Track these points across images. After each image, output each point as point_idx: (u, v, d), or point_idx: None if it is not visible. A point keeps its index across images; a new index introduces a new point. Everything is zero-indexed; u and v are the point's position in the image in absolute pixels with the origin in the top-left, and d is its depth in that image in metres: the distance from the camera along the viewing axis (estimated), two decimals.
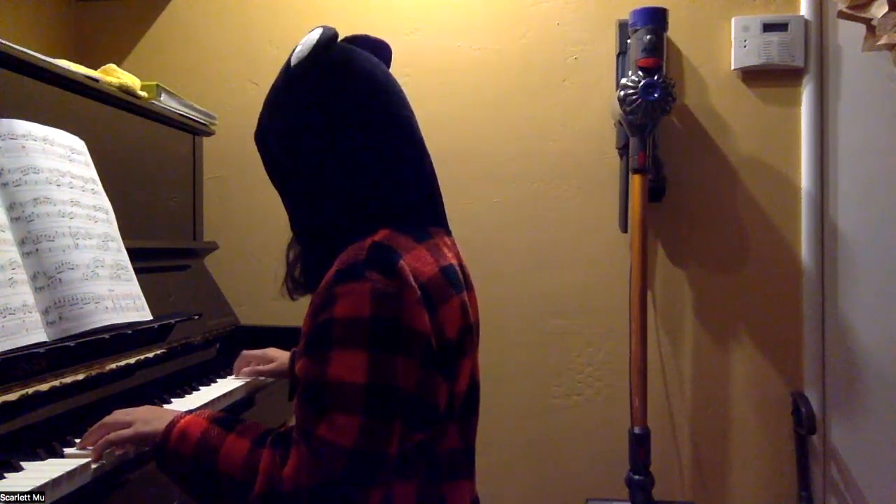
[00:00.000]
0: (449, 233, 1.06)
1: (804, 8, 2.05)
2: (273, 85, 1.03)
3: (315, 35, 0.98)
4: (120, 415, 1.01)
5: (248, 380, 1.46)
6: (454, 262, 1.00)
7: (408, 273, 0.88)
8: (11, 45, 1.22)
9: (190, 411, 0.98)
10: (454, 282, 0.96)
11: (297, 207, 1.03)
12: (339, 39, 1.02)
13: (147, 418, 0.99)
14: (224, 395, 1.36)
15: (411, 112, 1.03)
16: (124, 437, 0.97)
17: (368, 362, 0.84)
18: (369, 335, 0.84)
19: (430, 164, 1.04)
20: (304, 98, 0.97)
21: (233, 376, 1.47)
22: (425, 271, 0.91)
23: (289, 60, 1.00)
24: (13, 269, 1.07)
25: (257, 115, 1.04)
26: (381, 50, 1.06)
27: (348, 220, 0.97)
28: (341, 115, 0.96)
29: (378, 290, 0.85)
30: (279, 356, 1.46)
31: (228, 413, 1.35)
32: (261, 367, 1.46)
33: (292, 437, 0.87)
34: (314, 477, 0.82)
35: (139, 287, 1.29)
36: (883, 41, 1.49)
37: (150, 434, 0.95)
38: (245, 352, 1.49)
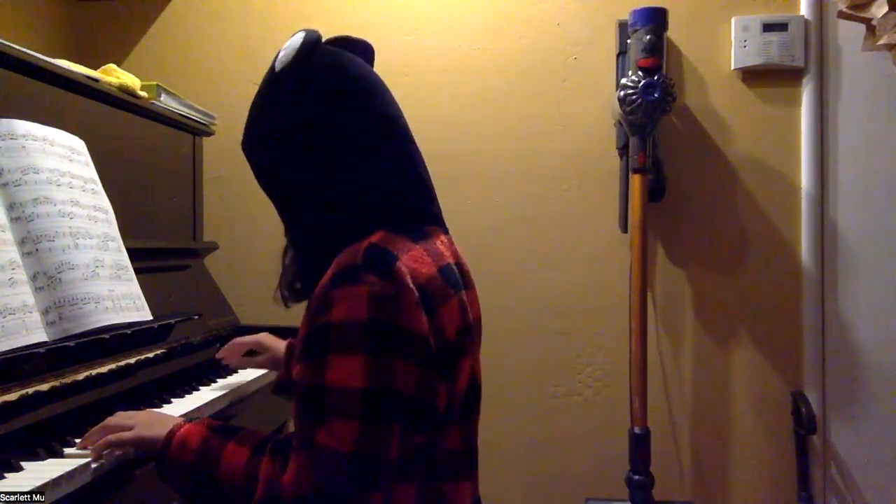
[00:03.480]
0: (446, 231, 1.05)
1: (804, 8, 2.05)
2: (258, 91, 1.01)
3: (298, 39, 0.97)
4: (122, 417, 1.01)
5: (247, 380, 1.46)
6: (451, 260, 0.99)
7: (405, 275, 0.87)
8: (11, 45, 1.22)
9: (191, 419, 0.97)
10: (452, 281, 0.95)
11: (290, 214, 1.02)
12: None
13: (149, 422, 0.98)
14: (224, 396, 1.36)
15: (399, 110, 1.02)
16: (125, 440, 0.97)
17: (366, 367, 0.83)
18: (366, 339, 0.83)
19: (422, 161, 1.03)
20: (290, 103, 0.96)
21: (233, 374, 1.46)
22: (423, 272, 0.90)
23: (273, 66, 0.99)
24: (13, 269, 1.07)
25: None
26: (362, 50, 1.05)
27: (343, 224, 0.96)
28: (329, 117, 0.95)
29: (375, 293, 0.84)
30: (273, 344, 1.40)
31: (230, 409, 1.37)
32: (251, 359, 1.42)
33: (292, 443, 0.86)
34: (314, 484, 0.81)
35: (139, 287, 1.29)
36: (883, 41, 1.49)
37: (151, 439, 0.95)
38: (236, 339, 1.42)
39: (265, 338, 1.41)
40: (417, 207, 1.00)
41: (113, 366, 1.21)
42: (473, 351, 1.00)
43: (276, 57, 0.99)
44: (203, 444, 0.91)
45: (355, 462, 0.82)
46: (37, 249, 1.11)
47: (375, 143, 0.97)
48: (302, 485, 0.82)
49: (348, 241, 0.91)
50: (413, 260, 0.90)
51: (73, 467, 0.91)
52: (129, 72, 1.60)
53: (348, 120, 0.96)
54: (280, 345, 1.39)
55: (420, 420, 0.89)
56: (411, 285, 0.87)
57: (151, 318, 1.29)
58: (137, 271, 1.30)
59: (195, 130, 1.87)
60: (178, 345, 1.44)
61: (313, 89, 0.96)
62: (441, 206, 1.06)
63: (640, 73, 1.87)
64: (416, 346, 0.86)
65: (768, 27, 2.03)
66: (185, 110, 1.78)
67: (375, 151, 0.96)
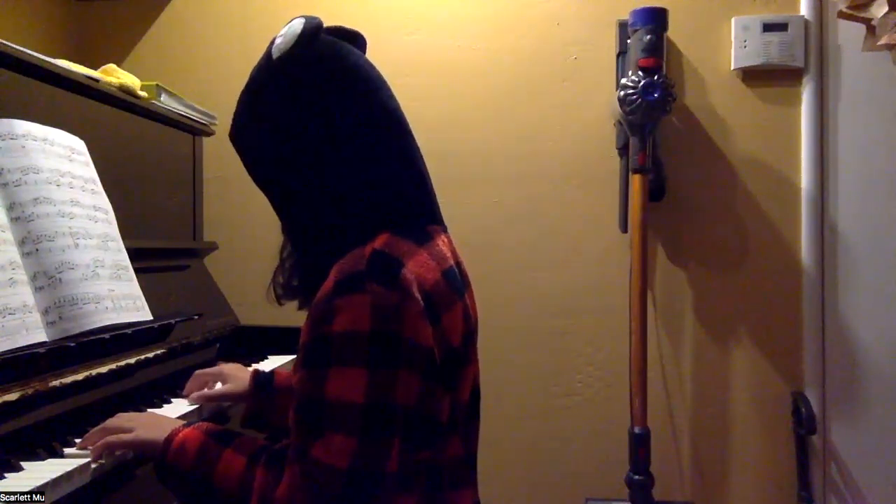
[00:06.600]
0: (445, 229, 1.02)
1: (804, 8, 2.05)
2: (251, 79, 0.97)
3: (298, 25, 0.93)
4: (122, 419, 1.00)
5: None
6: (453, 262, 0.97)
7: (411, 283, 0.84)
8: (11, 45, 1.22)
9: (191, 422, 0.97)
10: (456, 286, 0.93)
11: (288, 211, 0.98)
12: None
13: (149, 425, 0.98)
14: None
15: (398, 104, 0.99)
16: (125, 442, 0.96)
17: (367, 380, 0.80)
18: (369, 351, 0.81)
19: (422, 158, 0.99)
20: (290, 92, 0.92)
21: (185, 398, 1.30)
22: (429, 278, 0.88)
23: (269, 53, 0.95)
24: (13, 269, 1.07)
25: None
26: (356, 41, 1.01)
27: (345, 223, 0.92)
28: (329, 109, 0.91)
29: (378, 304, 0.81)
30: (236, 374, 1.28)
31: (229, 409, 1.37)
32: (211, 392, 1.27)
33: (287, 455, 0.84)
34: (308, 498, 0.80)
35: (139, 287, 1.29)
36: (883, 41, 1.49)
37: (151, 442, 0.94)
38: (199, 371, 1.30)
39: (228, 368, 1.31)
40: (419, 205, 0.97)
41: (113, 366, 1.21)
42: (475, 355, 0.99)
43: (273, 43, 0.95)
44: (200, 451, 0.90)
45: (351, 478, 0.80)
46: (37, 249, 1.11)
47: (377, 138, 0.93)
48: (295, 499, 0.80)
49: (351, 241, 0.89)
50: (418, 265, 0.87)
51: (73, 467, 0.90)
52: (129, 72, 1.60)
53: (350, 112, 0.92)
54: (244, 374, 1.28)
55: (422, 433, 0.87)
56: (416, 294, 0.84)
57: (151, 318, 1.29)
58: (137, 271, 1.30)
59: (195, 130, 1.87)
60: (178, 345, 1.44)
61: (313, 79, 0.92)
62: (440, 205, 1.04)
63: (640, 73, 1.87)
64: (419, 358, 0.84)
65: (768, 27, 2.03)
66: (185, 110, 1.78)
67: (377, 146, 0.93)
